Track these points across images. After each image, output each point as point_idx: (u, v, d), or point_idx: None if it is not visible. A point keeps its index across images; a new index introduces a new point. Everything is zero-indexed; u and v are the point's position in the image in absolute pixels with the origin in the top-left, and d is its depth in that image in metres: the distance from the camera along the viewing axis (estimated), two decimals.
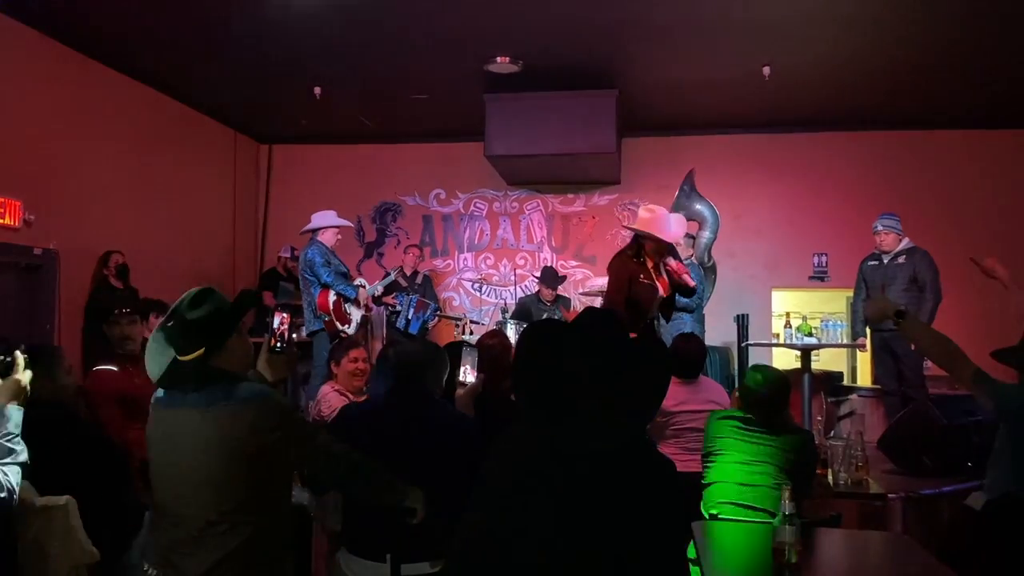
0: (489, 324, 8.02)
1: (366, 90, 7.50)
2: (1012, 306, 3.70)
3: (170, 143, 7.76)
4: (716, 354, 7.41)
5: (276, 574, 2.17)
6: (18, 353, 2.40)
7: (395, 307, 7.57)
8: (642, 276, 4.71)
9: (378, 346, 8.08)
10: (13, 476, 2.27)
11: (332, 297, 6.33)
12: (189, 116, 8.11)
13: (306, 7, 5.55)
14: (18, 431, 2.32)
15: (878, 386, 6.57)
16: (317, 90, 7.30)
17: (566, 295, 8.16)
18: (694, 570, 2.52)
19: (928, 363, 5.74)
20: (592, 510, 1.55)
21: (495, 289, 9.11)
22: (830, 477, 4.01)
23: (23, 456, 2.31)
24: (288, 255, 8.37)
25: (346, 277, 6.54)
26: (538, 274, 8.00)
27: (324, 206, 6.90)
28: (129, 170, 7.13)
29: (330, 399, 4.14)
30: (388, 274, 7.47)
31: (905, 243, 6.18)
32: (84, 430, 3.44)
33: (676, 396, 4.06)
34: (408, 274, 7.87)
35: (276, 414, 2.13)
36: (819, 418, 5.26)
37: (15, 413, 2.33)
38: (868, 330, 6.28)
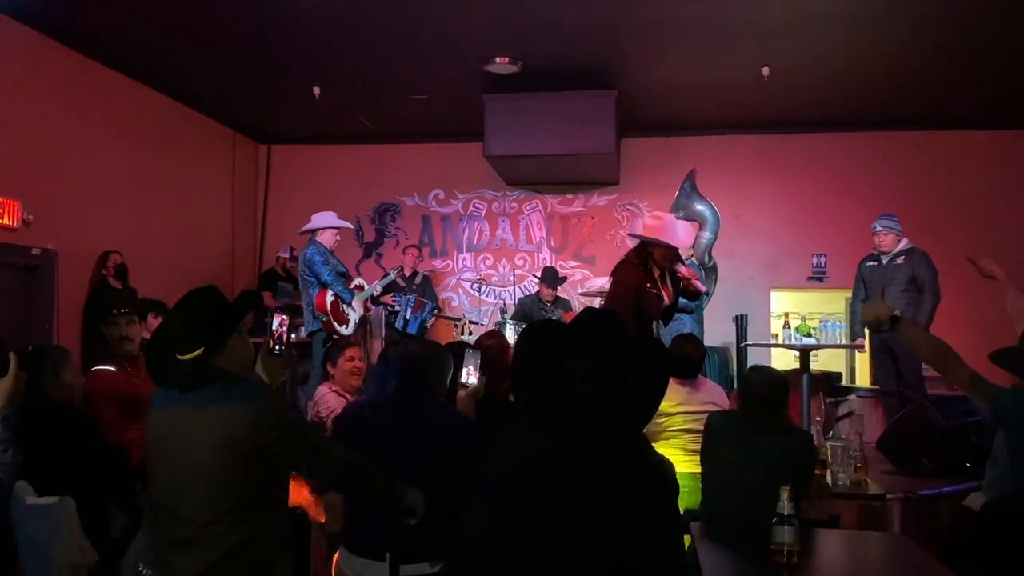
0: (488, 324, 8.01)
1: (365, 90, 7.50)
2: (1008, 306, 3.68)
3: (169, 143, 7.76)
4: (715, 354, 7.39)
5: (274, 574, 2.17)
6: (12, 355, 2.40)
7: (393, 307, 7.56)
8: (649, 285, 4.62)
9: (377, 346, 8.08)
10: None
11: (330, 297, 6.32)
12: (188, 116, 8.10)
13: (306, 7, 5.55)
14: None
15: (877, 387, 6.56)
16: (316, 90, 7.29)
17: (565, 296, 8.15)
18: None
19: None
20: (591, 511, 1.54)
21: (494, 289, 9.11)
22: (829, 478, 4.01)
23: None
24: (287, 255, 8.36)
25: (345, 277, 6.53)
26: (538, 274, 8.00)
27: (323, 206, 6.90)
28: (128, 170, 7.13)
29: (328, 400, 4.13)
30: (387, 274, 7.47)
31: (904, 244, 6.17)
32: (84, 430, 3.44)
33: (675, 397, 4.05)
34: (407, 274, 7.86)
35: (274, 414, 2.13)
36: (818, 419, 5.25)
37: None
38: (867, 331, 6.28)
